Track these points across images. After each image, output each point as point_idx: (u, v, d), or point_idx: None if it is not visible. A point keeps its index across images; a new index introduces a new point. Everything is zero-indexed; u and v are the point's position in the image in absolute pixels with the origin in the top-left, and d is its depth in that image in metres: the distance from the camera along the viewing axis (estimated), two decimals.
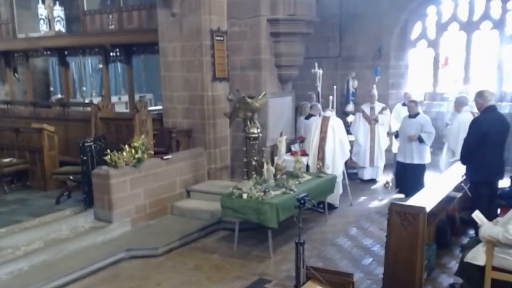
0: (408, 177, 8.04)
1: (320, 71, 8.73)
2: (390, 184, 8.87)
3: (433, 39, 10.74)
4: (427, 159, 8.11)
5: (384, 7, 10.45)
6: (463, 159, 5.95)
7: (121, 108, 12.06)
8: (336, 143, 7.59)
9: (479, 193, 5.78)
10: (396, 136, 8.64)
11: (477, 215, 4.70)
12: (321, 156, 7.58)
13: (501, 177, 6.03)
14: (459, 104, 7.95)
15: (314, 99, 9.54)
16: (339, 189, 7.74)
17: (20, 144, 8.97)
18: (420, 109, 8.31)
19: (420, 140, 7.87)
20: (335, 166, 7.56)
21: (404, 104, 9.42)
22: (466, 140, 5.86)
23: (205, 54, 8.09)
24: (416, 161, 7.97)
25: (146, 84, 14.74)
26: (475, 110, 8.44)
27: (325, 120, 7.72)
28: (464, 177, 6.11)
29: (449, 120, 8.38)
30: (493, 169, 5.79)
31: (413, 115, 8.05)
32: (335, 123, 7.71)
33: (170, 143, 8.14)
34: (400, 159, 8.22)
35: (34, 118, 9.82)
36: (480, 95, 5.83)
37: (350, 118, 9.98)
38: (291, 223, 5.74)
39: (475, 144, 5.65)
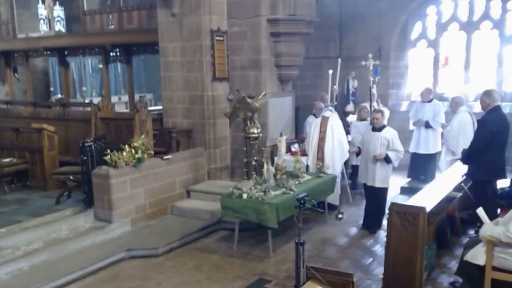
0: (371, 205, 6.91)
1: (374, 63, 8.24)
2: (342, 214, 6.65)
3: (433, 39, 10.73)
4: (389, 182, 6.89)
5: (384, 7, 10.45)
6: (469, 159, 5.95)
7: (121, 108, 12.07)
8: (335, 143, 7.58)
9: (485, 192, 5.80)
10: (358, 153, 7.27)
11: (481, 212, 4.69)
12: (320, 156, 7.57)
13: (505, 176, 6.06)
14: (456, 104, 7.93)
15: (328, 100, 9.25)
16: (338, 189, 7.73)
17: (20, 144, 8.96)
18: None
19: (387, 160, 6.57)
20: (334, 166, 7.55)
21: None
22: (475, 140, 5.90)
23: (205, 54, 8.09)
24: (378, 184, 6.69)
25: (146, 84, 14.74)
26: (474, 111, 8.49)
27: (325, 120, 7.72)
28: (465, 177, 6.12)
29: (446, 121, 8.35)
30: (496, 169, 5.83)
31: (378, 128, 6.73)
32: (334, 123, 7.70)
33: (170, 143, 8.14)
34: (363, 181, 7.01)
35: (34, 118, 9.81)
36: (488, 94, 5.85)
37: (350, 118, 9.95)
38: (291, 223, 5.73)
39: (484, 144, 5.69)
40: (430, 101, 8.70)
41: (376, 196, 6.80)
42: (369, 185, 6.79)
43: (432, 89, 9.37)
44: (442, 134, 8.40)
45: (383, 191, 6.81)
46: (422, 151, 8.62)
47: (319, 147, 7.61)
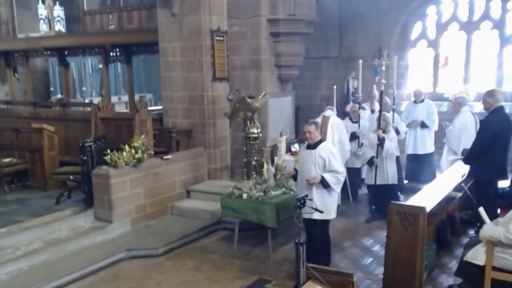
0: (312, 242, 5.29)
1: (387, 62, 7.25)
2: None
3: (433, 39, 10.73)
4: (333, 212, 5.42)
5: (384, 7, 10.45)
6: (471, 159, 5.95)
7: (121, 108, 12.07)
8: (335, 143, 7.55)
9: (487, 193, 5.80)
10: (295, 177, 5.85)
11: (482, 212, 4.68)
12: None
13: (507, 177, 6.06)
14: (459, 104, 7.92)
15: (374, 104, 8.93)
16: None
17: (20, 144, 8.96)
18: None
19: (325, 185, 5.21)
20: None
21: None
22: (477, 141, 5.89)
23: (205, 54, 8.09)
24: (316, 215, 4.92)
25: (146, 84, 14.74)
26: (475, 110, 8.48)
27: (325, 120, 7.70)
28: (465, 176, 6.11)
29: (446, 121, 8.34)
30: (499, 169, 5.83)
31: (312, 144, 5.39)
32: (335, 123, 7.68)
33: (170, 143, 8.15)
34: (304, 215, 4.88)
35: (34, 118, 9.82)
36: (491, 94, 5.84)
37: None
38: (291, 223, 5.74)
39: (487, 145, 5.69)
40: (422, 101, 8.74)
41: (315, 231, 5.37)
42: (306, 217, 5.03)
43: (423, 90, 9.28)
44: (444, 134, 8.41)
45: (323, 225, 5.37)
46: (421, 151, 8.62)
47: None
